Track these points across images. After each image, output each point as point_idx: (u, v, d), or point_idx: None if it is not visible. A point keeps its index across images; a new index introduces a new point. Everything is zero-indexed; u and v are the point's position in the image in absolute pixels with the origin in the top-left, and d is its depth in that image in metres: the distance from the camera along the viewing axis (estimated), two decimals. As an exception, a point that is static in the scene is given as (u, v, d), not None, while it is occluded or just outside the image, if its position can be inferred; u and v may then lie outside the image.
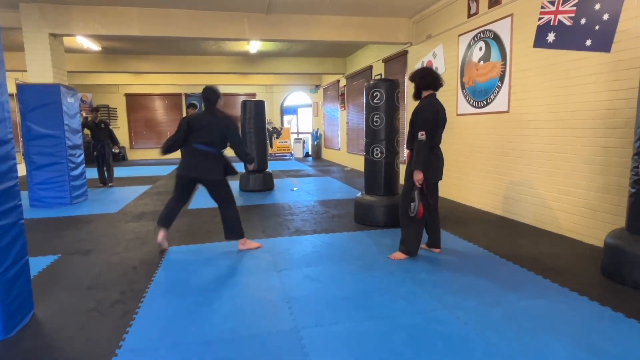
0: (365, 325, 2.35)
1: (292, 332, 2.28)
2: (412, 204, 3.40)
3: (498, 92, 5.05)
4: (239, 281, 3.04)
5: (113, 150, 8.24)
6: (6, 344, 2.21)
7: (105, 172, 8.18)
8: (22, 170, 6.49)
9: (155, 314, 2.53)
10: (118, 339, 2.23)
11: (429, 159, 3.31)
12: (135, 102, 15.49)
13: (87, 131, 7.79)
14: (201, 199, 6.41)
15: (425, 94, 3.41)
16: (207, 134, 3.54)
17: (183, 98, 15.59)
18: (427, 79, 3.38)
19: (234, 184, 7.74)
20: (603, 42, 3.18)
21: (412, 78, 3.45)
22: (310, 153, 15.57)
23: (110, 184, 8.15)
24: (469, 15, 5.55)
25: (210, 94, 3.58)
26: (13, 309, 2.32)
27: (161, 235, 3.73)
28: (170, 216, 3.74)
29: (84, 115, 7.94)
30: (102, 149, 7.92)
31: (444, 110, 3.39)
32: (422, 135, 3.24)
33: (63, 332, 2.35)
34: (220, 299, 2.74)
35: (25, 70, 6.09)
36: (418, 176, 3.28)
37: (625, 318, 2.38)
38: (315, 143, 15.07)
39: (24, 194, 5.94)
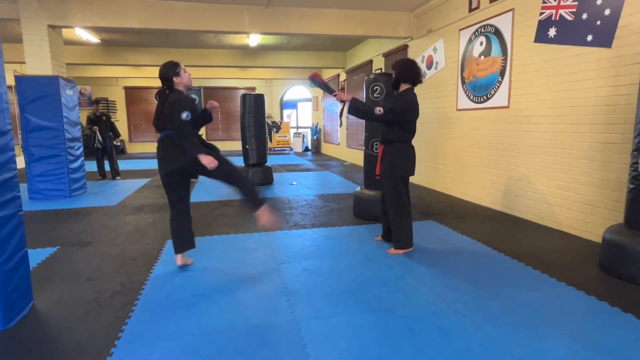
0: (364, 318, 2.36)
1: (290, 325, 2.29)
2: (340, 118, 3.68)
3: (498, 87, 5.04)
4: (238, 274, 3.05)
5: (114, 142, 8.23)
6: (6, 335, 2.21)
7: (109, 166, 8.16)
8: (21, 162, 6.48)
9: (154, 306, 2.54)
10: (117, 330, 2.24)
11: (362, 113, 3.37)
12: (134, 95, 15.44)
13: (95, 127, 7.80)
14: (200, 192, 6.42)
15: (404, 87, 3.42)
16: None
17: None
18: (408, 73, 3.37)
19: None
20: (604, 37, 3.16)
21: (395, 66, 3.42)
22: (309, 147, 15.56)
23: (117, 177, 8.13)
24: (470, 10, 5.53)
25: (163, 70, 2.85)
26: (12, 299, 2.32)
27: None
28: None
29: (87, 115, 7.95)
30: (102, 141, 7.90)
31: (418, 106, 3.44)
32: (378, 111, 3.28)
33: (62, 322, 2.36)
34: (219, 291, 2.75)
35: (24, 62, 6.06)
36: (344, 95, 3.35)
37: (622, 313, 2.39)
38: (315, 137, 15.06)
39: (23, 187, 5.93)
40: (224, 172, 2.92)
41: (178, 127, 2.75)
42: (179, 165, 2.87)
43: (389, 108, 3.30)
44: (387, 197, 3.49)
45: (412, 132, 3.45)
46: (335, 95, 3.40)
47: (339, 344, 2.08)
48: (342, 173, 8.95)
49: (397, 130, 3.39)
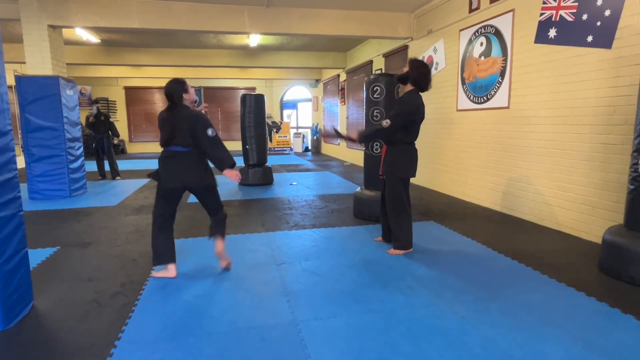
0: (364, 318, 2.36)
1: (290, 325, 2.29)
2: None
3: (498, 87, 5.04)
4: (238, 274, 3.05)
5: (113, 142, 8.23)
6: (6, 335, 2.22)
7: (108, 166, 8.18)
8: (21, 162, 6.48)
9: (154, 306, 2.54)
10: (117, 331, 2.24)
11: (372, 137, 3.57)
12: (134, 95, 15.43)
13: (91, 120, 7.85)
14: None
15: (409, 87, 3.41)
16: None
17: (182, 91, 15.54)
18: (421, 80, 3.36)
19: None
20: (604, 38, 3.17)
21: (412, 65, 3.40)
22: (309, 148, 15.57)
23: (117, 177, 8.14)
24: (470, 10, 5.53)
25: (172, 88, 2.86)
26: (13, 300, 2.33)
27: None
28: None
29: (87, 116, 8.00)
30: (101, 141, 7.92)
31: (424, 107, 3.42)
32: (386, 123, 3.31)
33: (63, 323, 2.36)
34: (219, 292, 2.75)
35: (24, 62, 6.06)
36: (353, 135, 3.51)
37: (622, 314, 2.39)
38: (315, 138, 15.06)
39: (23, 187, 5.93)
40: (216, 201, 3.13)
41: (211, 143, 2.83)
42: (187, 184, 2.91)
43: (396, 114, 3.31)
44: (387, 197, 3.50)
45: (414, 134, 3.44)
46: (347, 140, 3.65)
47: (339, 345, 2.09)
48: (342, 173, 8.95)
49: (399, 131, 3.39)
